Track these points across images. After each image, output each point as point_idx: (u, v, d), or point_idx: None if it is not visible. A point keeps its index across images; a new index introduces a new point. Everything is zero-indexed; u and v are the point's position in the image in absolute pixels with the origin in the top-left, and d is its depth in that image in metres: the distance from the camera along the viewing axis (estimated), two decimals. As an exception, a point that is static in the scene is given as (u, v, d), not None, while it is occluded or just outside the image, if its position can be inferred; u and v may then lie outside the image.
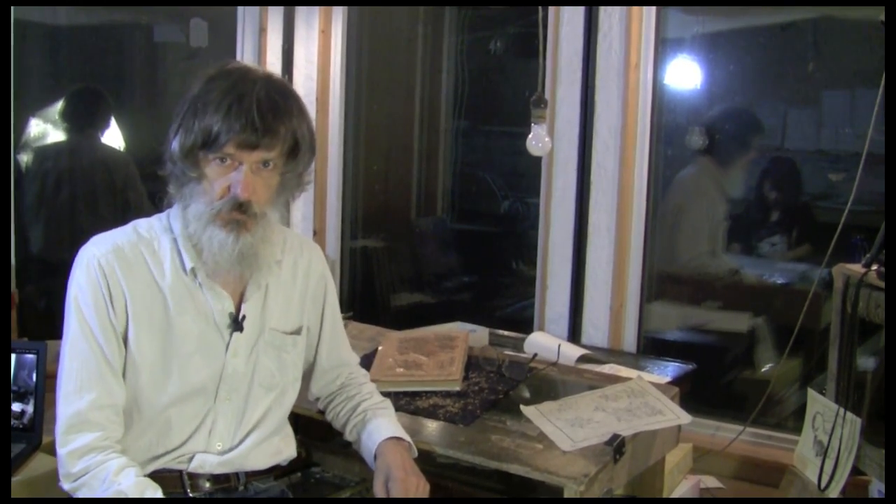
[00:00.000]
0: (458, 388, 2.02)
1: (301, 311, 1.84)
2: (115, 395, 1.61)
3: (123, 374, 1.64)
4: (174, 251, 1.67)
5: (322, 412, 1.96)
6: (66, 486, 1.58)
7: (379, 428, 1.81)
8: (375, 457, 1.76)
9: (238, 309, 1.72)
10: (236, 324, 1.71)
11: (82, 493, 1.56)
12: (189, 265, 1.66)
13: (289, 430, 1.87)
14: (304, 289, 1.84)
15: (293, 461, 1.88)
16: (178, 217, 1.68)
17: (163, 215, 1.73)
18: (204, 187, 1.61)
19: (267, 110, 1.58)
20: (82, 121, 3.74)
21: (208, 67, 1.65)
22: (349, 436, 1.89)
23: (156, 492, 1.56)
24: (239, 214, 1.61)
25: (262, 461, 1.77)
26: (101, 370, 1.60)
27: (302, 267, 1.84)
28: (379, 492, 1.71)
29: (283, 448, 1.83)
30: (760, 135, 3.14)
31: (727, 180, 3.19)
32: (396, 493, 1.67)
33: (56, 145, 3.77)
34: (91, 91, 3.82)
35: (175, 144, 1.61)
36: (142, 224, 1.71)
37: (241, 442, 1.73)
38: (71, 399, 1.59)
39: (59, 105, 3.76)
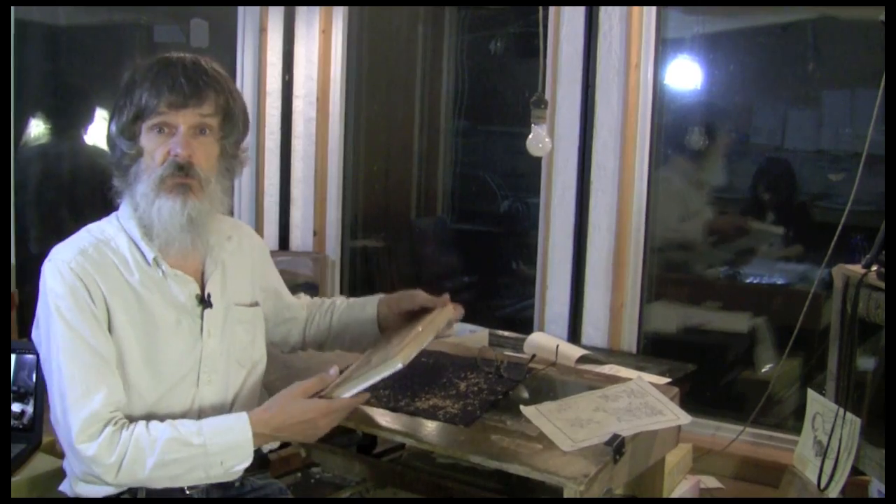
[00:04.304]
0: (400, 366, 1.62)
1: (253, 283, 1.90)
2: (119, 392, 1.62)
3: None
4: (132, 247, 1.69)
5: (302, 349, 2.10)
6: (111, 480, 1.55)
7: (360, 300, 2.05)
8: (379, 313, 2.01)
9: (202, 289, 1.76)
10: (204, 301, 1.74)
11: (134, 471, 1.55)
12: (151, 255, 1.68)
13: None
14: (251, 262, 1.91)
15: (293, 459, 1.88)
16: (127, 213, 1.70)
17: (111, 217, 1.74)
18: (145, 163, 1.64)
19: (193, 73, 1.64)
20: (63, 121, 3.74)
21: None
22: (333, 335, 2.05)
23: (184, 422, 1.61)
24: (183, 178, 1.63)
25: None
26: (101, 370, 1.60)
27: (245, 244, 1.90)
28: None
29: None
30: (726, 122, 3.14)
31: (704, 174, 3.18)
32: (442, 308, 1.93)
33: (39, 147, 3.77)
34: (74, 89, 3.81)
35: (112, 127, 1.66)
36: (92, 228, 1.72)
37: None
38: (82, 403, 1.56)
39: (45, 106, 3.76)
